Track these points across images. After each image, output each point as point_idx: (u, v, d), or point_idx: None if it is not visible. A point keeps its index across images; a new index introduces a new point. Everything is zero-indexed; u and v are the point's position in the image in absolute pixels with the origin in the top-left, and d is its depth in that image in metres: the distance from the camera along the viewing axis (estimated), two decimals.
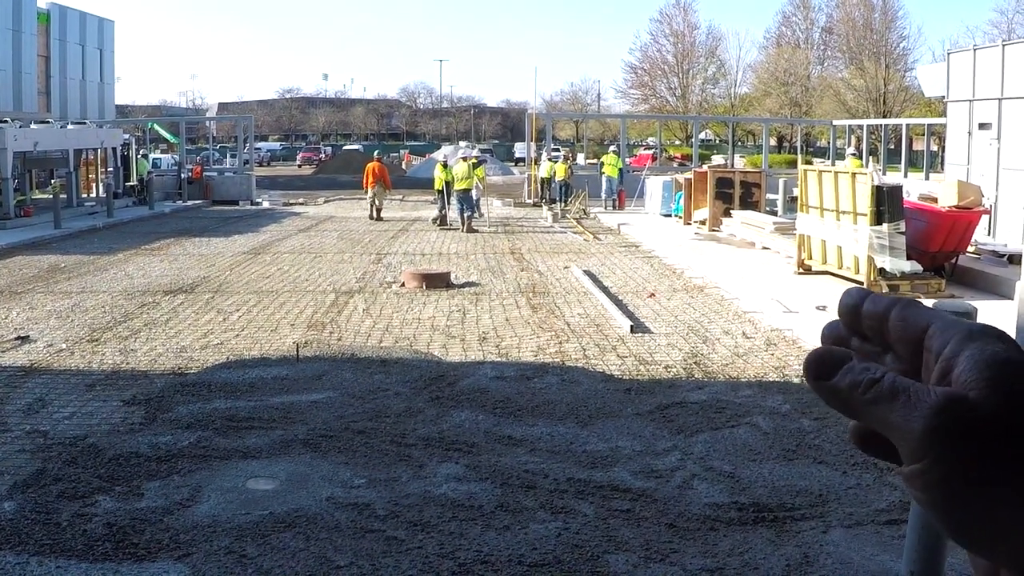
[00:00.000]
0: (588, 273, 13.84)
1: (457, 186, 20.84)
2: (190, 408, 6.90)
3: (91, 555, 4.54)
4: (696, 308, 11.12)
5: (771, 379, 7.88)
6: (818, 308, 10.56)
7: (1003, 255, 13.47)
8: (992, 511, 0.44)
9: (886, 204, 11.61)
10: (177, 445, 6.07)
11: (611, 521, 4.96)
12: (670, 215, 22.39)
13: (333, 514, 5.01)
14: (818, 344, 0.53)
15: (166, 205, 27.03)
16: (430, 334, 9.69)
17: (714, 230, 18.45)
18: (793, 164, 32.86)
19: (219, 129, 66.17)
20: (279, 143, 77.81)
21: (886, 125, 33.45)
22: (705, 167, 23.98)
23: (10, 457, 5.93)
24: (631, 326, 9.85)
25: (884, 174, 21.43)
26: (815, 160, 36.90)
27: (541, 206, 26.50)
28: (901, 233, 11.58)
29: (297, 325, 10.14)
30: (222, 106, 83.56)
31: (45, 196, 24.60)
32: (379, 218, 23.42)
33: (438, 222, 21.59)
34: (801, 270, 13.49)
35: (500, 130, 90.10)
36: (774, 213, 19.02)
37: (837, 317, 0.54)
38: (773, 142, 58.31)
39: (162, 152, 42.75)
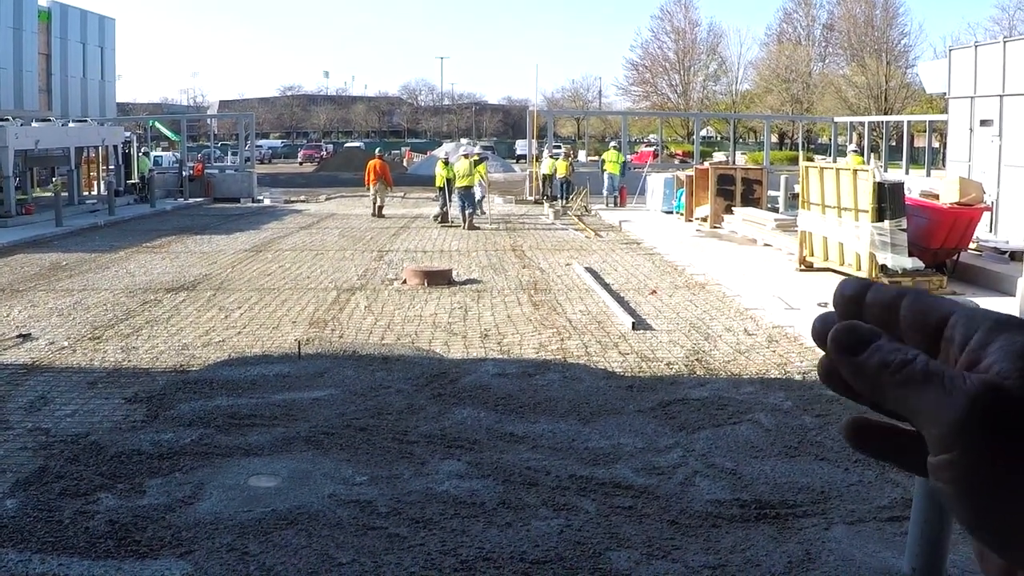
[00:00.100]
0: (590, 270, 13.84)
1: (458, 183, 20.82)
2: (192, 406, 6.91)
3: (93, 552, 4.55)
4: (698, 305, 11.12)
5: (773, 376, 7.88)
6: (820, 305, 10.55)
7: (1005, 252, 13.47)
8: (1021, 507, 0.42)
9: (888, 201, 11.60)
10: (179, 442, 6.07)
11: (613, 518, 4.96)
12: (671, 212, 22.37)
13: (335, 511, 5.01)
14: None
15: (167, 203, 27.03)
16: (432, 331, 9.70)
17: (715, 227, 18.44)
18: (794, 161, 32.81)
19: (220, 127, 66.27)
20: (280, 141, 77.65)
21: (887, 122, 33.42)
22: (706, 164, 23.94)
23: (12, 455, 5.93)
24: (633, 323, 9.85)
25: (885, 171, 21.38)
26: (816, 157, 36.88)
27: (542, 203, 26.46)
28: (903, 230, 11.57)
29: (299, 322, 10.15)
30: (223, 104, 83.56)
31: (46, 194, 24.62)
32: (380, 215, 23.43)
33: (439, 219, 21.57)
34: (803, 267, 13.48)
35: (501, 127, 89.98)
36: (775, 210, 19.03)
37: (831, 308, 0.52)
38: (774, 139, 58.32)
39: (163, 150, 42.73)
